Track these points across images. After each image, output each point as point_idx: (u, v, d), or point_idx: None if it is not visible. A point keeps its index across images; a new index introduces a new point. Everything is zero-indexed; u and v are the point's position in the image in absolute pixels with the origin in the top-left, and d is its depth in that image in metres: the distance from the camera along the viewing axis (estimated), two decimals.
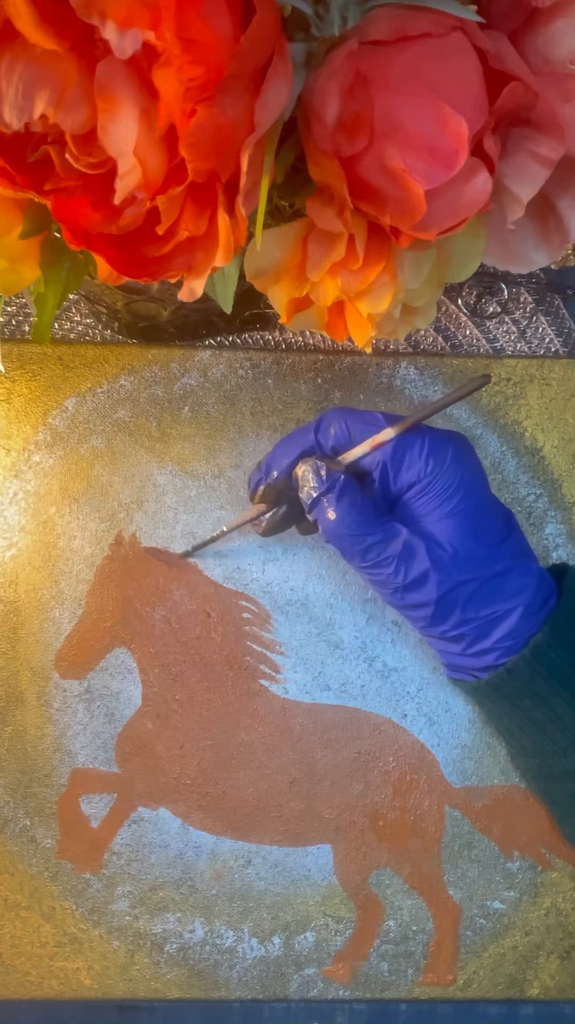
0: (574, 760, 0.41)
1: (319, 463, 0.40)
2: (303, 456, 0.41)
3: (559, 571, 0.44)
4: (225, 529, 0.44)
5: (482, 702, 0.44)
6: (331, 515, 0.39)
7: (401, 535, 0.39)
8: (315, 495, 0.39)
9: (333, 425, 0.40)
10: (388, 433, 0.39)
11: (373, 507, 0.40)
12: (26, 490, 0.47)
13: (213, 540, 0.45)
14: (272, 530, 0.43)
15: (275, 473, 0.41)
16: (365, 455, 0.40)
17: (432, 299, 0.34)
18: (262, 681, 0.47)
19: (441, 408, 0.40)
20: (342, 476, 0.40)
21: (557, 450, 0.48)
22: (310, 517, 0.41)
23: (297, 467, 0.40)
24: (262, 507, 0.42)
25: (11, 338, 0.48)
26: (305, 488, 0.40)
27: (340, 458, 0.40)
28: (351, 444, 0.40)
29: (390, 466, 0.40)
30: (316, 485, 0.39)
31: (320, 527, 0.40)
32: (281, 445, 0.41)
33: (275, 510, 0.42)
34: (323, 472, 0.39)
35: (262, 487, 0.42)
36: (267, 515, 0.42)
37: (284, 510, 0.42)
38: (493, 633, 0.40)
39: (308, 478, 0.40)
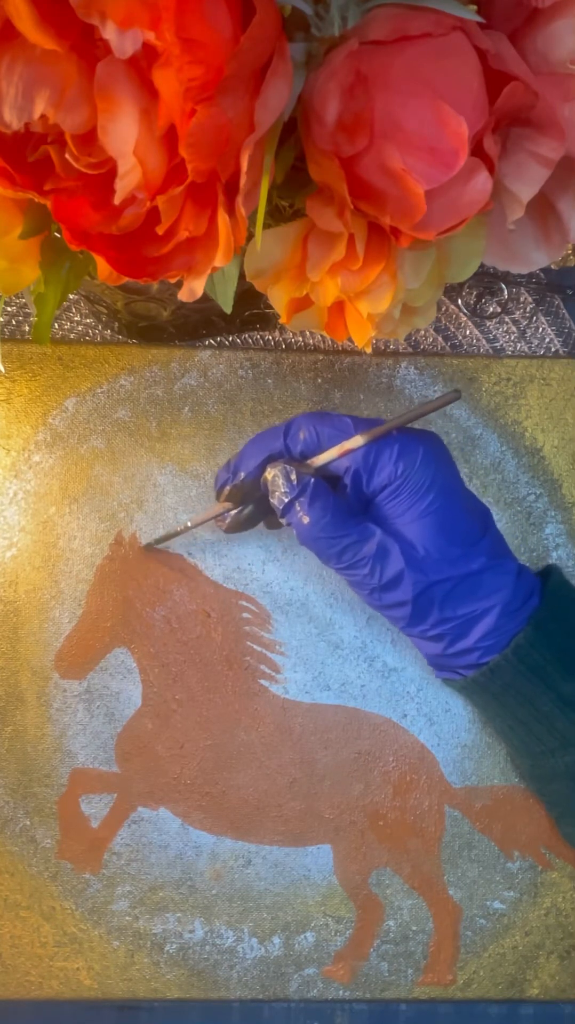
0: (562, 761, 0.41)
1: (288, 467, 0.40)
2: (271, 460, 0.41)
3: (546, 573, 0.44)
4: (189, 524, 0.44)
5: (473, 700, 0.44)
6: (304, 519, 0.39)
7: (375, 535, 0.40)
8: (287, 500, 0.40)
9: (302, 430, 0.40)
10: (357, 440, 0.39)
11: (346, 508, 0.40)
12: (26, 490, 0.47)
13: (178, 533, 0.45)
14: (235, 528, 0.43)
15: (242, 475, 0.41)
16: (333, 460, 0.40)
17: (432, 299, 0.34)
18: (262, 681, 0.47)
19: (410, 420, 0.40)
20: (312, 479, 0.40)
21: (557, 450, 0.48)
22: (283, 521, 0.41)
23: (266, 472, 0.40)
24: (228, 505, 0.42)
25: (11, 338, 0.48)
26: (276, 493, 0.40)
27: (309, 462, 0.40)
28: (320, 449, 0.40)
29: (362, 470, 0.40)
30: (287, 490, 0.39)
31: (295, 531, 0.40)
32: (250, 447, 0.41)
33: (240, 509, 0.42)
34: (293, 476, 0.39)
35: (228, 487, 0.42)
36: (232, 513, 0.43)
37: (250, 509, 0.42)
38: (472, 632, 0.40)
39: (278, 483, 0.40)
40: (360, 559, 0.40)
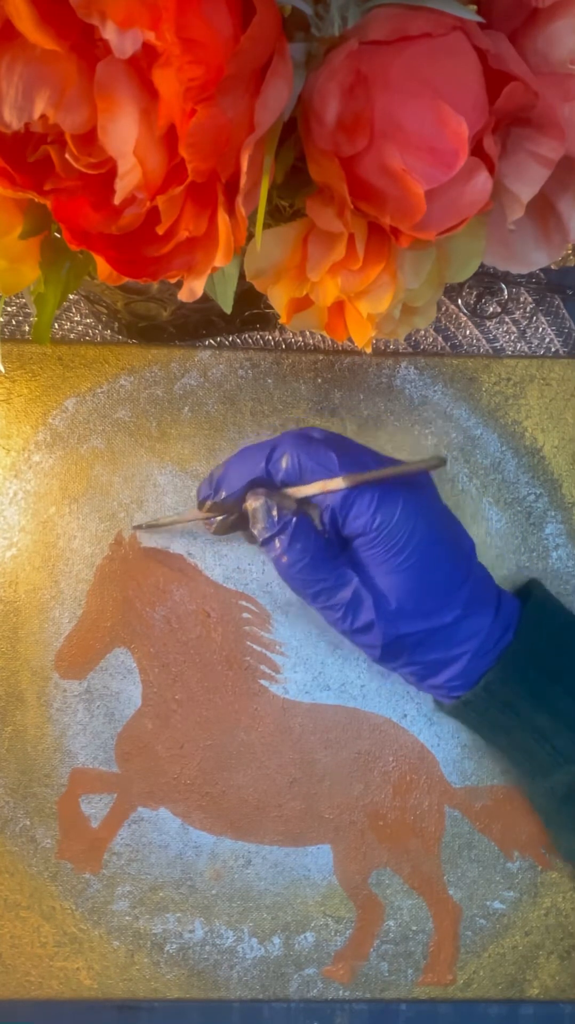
0: (543, 785, 0.42)
1: (270, 502, 0.39)
2: (253, 484, 0.40)
3: (527, 593, 0.43)
4: (181, 516, 0.45)
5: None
6: (283, 559, 0.39)
7: (351, 584, 0.39)
8: (267, 536, 0.39)
9: (286, 456, 0.39)
10: (338, 483, 0.38)
11: (326, 548, 0.40)
12: (26, 490, 0.47)
13: (170, 522, 0.45)
14: (222, 531, 0.43)
15: (223, 494, 0.41)
16: (313, 496, 0.39)
17: (432, 299, 0.34)
18: (262, 681, 0.47)
19: (392, 476, 0.39)
20: (294, 519, 0.39)
21: (557, 450, 0.48)
22: (262, 551, 0.40)
23: (248, 501, 0.40)
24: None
25: (11, 338, 0.48)
26: (257, 527, 0.39)
27: (289, 492, 0.40)
28: (301, 481, 0.39)
29: (339, 512, 0.39)
30: (267, 526, 0.39)
31: (273, 565, 0.40)
32: (233, 466, 0.40)
33: (226, 516, 0.42)
34: (274, 512, 0.39)
35: (209, 502, 0.41)
36: (219, 518, 0.42)
37: (235, 517, 0.42)
38: (442, 673, 0.41)
39: (259, 517, 0.39)
40: (334, 603, 0.39)
